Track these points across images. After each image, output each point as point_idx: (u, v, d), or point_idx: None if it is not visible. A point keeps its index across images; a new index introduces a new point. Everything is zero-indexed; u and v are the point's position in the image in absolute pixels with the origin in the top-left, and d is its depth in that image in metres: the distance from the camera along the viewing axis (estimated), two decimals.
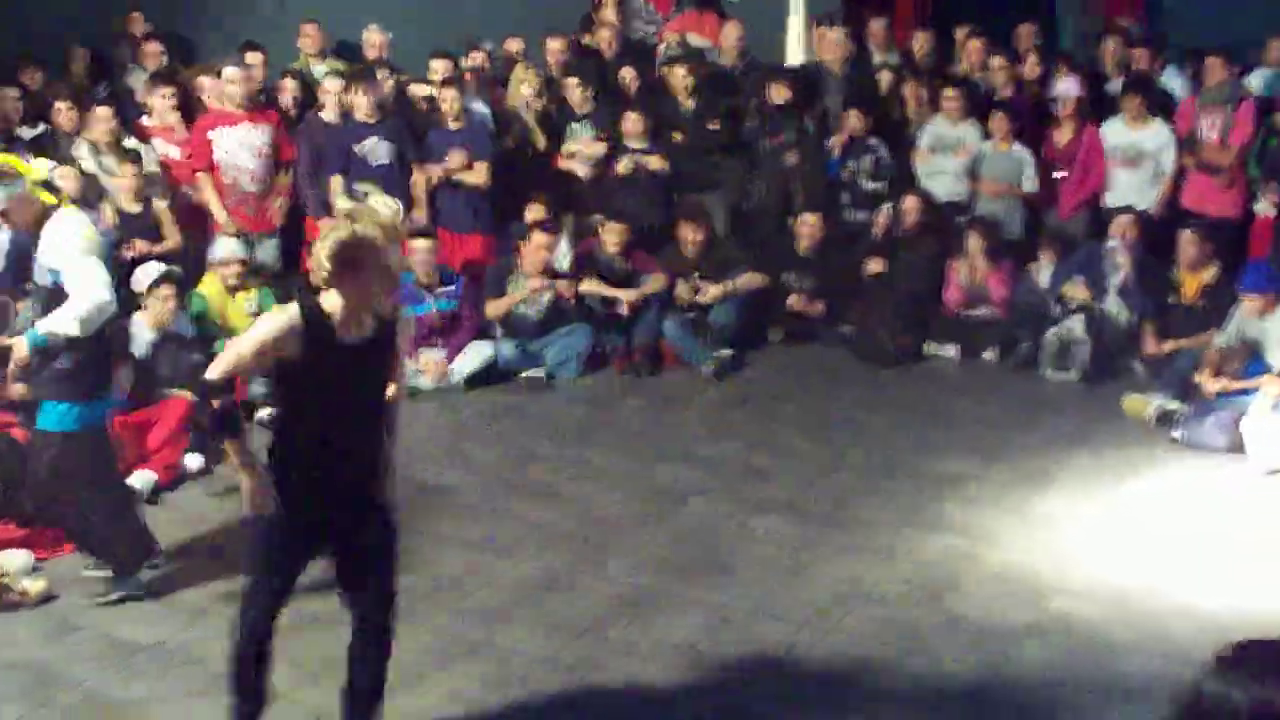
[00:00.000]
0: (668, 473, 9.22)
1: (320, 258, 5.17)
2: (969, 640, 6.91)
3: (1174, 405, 10.10)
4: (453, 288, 11.23)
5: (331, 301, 5.24)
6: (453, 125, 12.07)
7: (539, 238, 11.35)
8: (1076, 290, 11.43)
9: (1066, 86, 12.36)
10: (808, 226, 12.37)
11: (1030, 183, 12.40)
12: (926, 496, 8.82)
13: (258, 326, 5.35)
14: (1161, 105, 12.32)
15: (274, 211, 11.72)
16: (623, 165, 12.43)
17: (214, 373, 5.25)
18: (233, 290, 10.51)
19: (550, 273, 11.44)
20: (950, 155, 12.60)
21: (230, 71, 11.56)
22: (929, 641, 6.90)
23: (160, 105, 11.78)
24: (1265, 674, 2.10)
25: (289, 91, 12.48)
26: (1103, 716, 6.25)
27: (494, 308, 11.34)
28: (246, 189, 11.56)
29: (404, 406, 10.06)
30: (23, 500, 7.68)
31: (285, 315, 5.25)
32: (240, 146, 11.49)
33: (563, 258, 11.95)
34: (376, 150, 11.71)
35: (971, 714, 6.25)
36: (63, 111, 11.67)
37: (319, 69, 13.01)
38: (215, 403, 5.25)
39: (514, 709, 6.23)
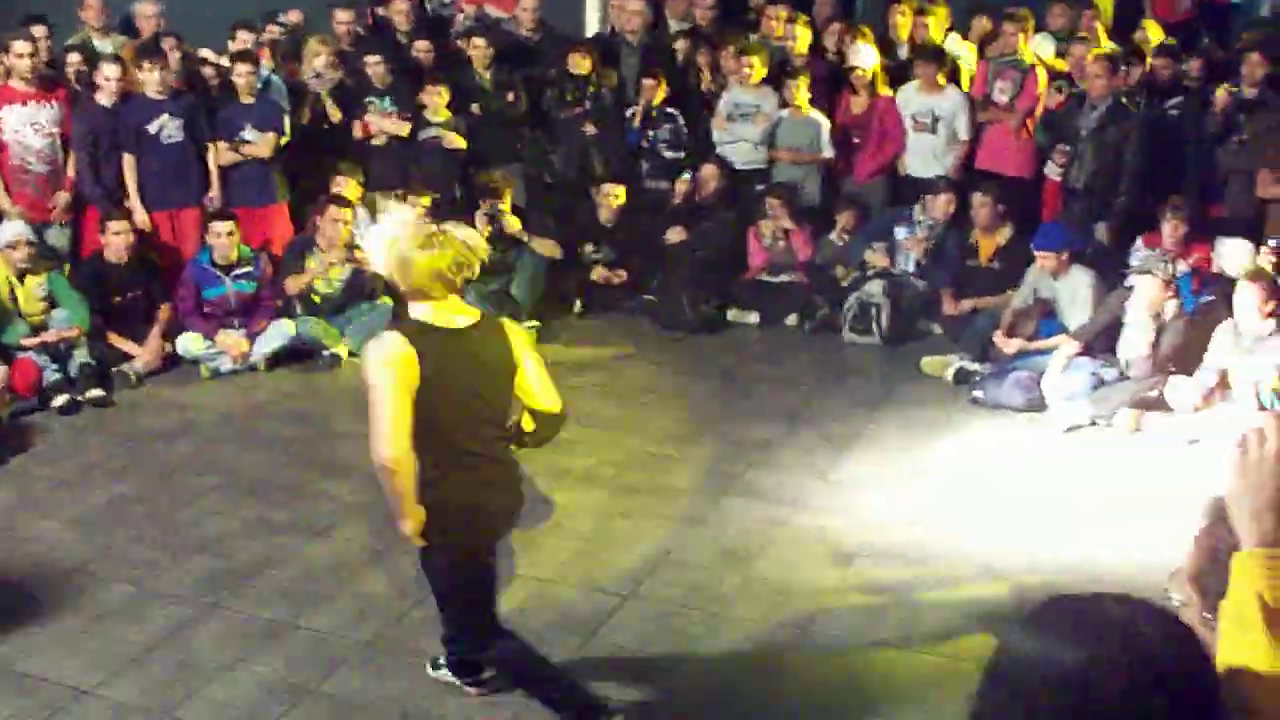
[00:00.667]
0: None
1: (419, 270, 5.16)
2: (777, 604, 6.97)
3: (973, 365, 10.29)
4: (251, 268, 11.02)
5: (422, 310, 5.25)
6: (246, 100, 11.83)
7: (334, 211, 11.19)
8: (877, 259, 11.59)
9: (863, 55, 12.49)
10: (610, 196, 12.36)
11: (827, 149, 12.52)
12: (733, 462, 8.87)
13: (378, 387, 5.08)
14: (954, 72, 12.52)
15: (58, 211, 11.30)
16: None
17: (387, 452, 5.06)
18: (21, 274, 10.21)
19: (349, 246, 11.27)
20: (748, 123, 12.66)
21: (18, 45, 11.14)
22: (738, 607, 6.94)
23: None
24: (1068, 632, 2.12)
25: (74, 67, 12.07)
26: (904, 673, 6.33)
27: (293, 283, 11.15)
28: (35, 169, 11.16)
29: (203, 389, 10.04)
30: None
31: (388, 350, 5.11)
32: (27, 125, 11.10)
33: (363, 230, 11.76)
34: (168, 127, 11.42)
35: (780, 677, 6.29)
36: None
37: (104, 45, 12.65)
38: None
39: (328, 692, 6.15)
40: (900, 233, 11.68)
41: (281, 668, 6.35)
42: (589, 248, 12.44)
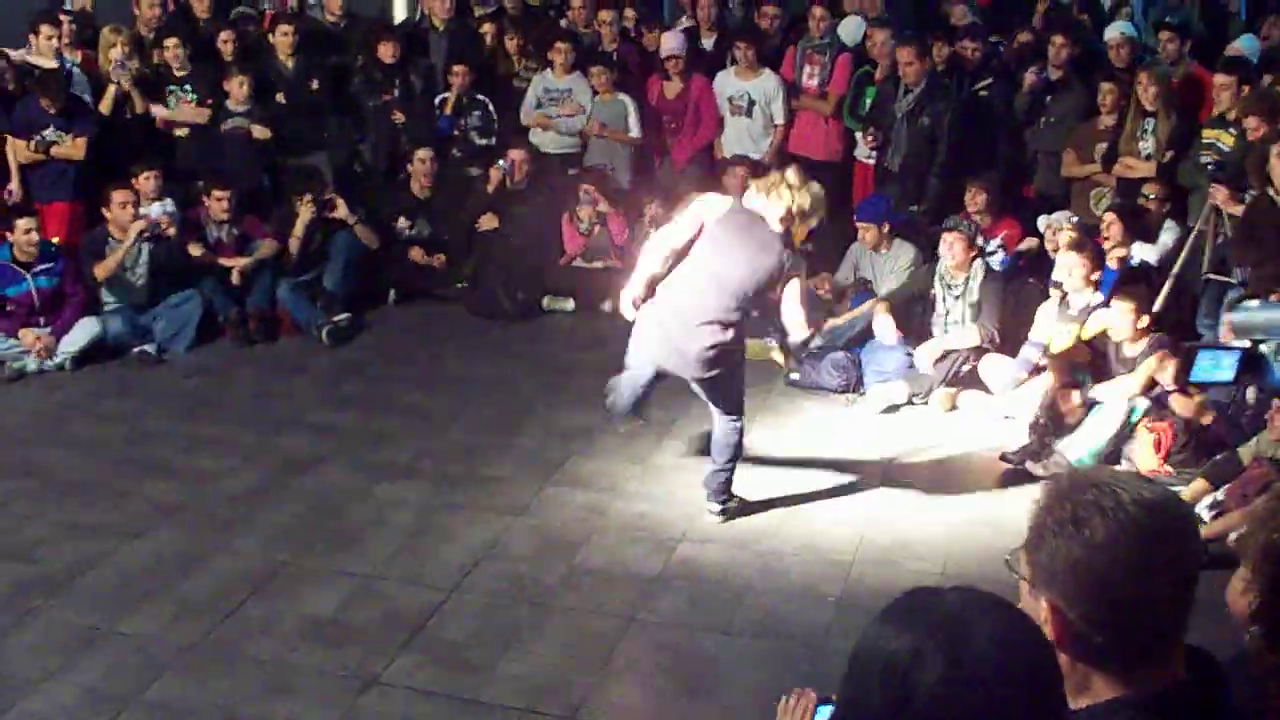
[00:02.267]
0: (289, 443, 9.04)
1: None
2: (602, 592, 7.00)
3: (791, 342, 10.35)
4: (53, 264, 10.73)
5: None
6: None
7: (118, 195, 10.93)
8: None
9: (672, 42, 12.54)
10: (421, 163, 12.29)
11: (634, 129, 12.53)
12: (553, 451, 8.87)
13: None
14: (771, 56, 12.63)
15: None
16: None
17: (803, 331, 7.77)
18: None
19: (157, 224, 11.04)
20: (558, 107, 12.65)
21: None
22: (564, 596, 6.95)
23: None
24: (903, 621, 2.14)
25: None
26: (729, 656, 6.38)
27: (101, 269, 10.85)
28: None
29: (7, 390, 9.78)
30: None
31: None
32: None
33: (163, 212, 11.51)
34: None
35: (609, 664, 6.31)
36: None
37: None
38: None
39: (151, 699, 6.02)
40: None
41: (101, 676, 6.21)
42: (403, 222, 12.32)
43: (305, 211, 11.62)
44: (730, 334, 7.38)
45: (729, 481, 7.83)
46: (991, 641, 2.10)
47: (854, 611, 6.62)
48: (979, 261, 9.70)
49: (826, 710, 3.04)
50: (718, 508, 7.80)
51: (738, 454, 7.80)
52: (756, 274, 7.36)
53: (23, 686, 6.11)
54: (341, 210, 11.79)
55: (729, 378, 7.58)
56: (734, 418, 7.70)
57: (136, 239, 10.84)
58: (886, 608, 2.21)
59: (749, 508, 7.92)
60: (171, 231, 11.09)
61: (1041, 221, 10.54)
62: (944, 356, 9.67)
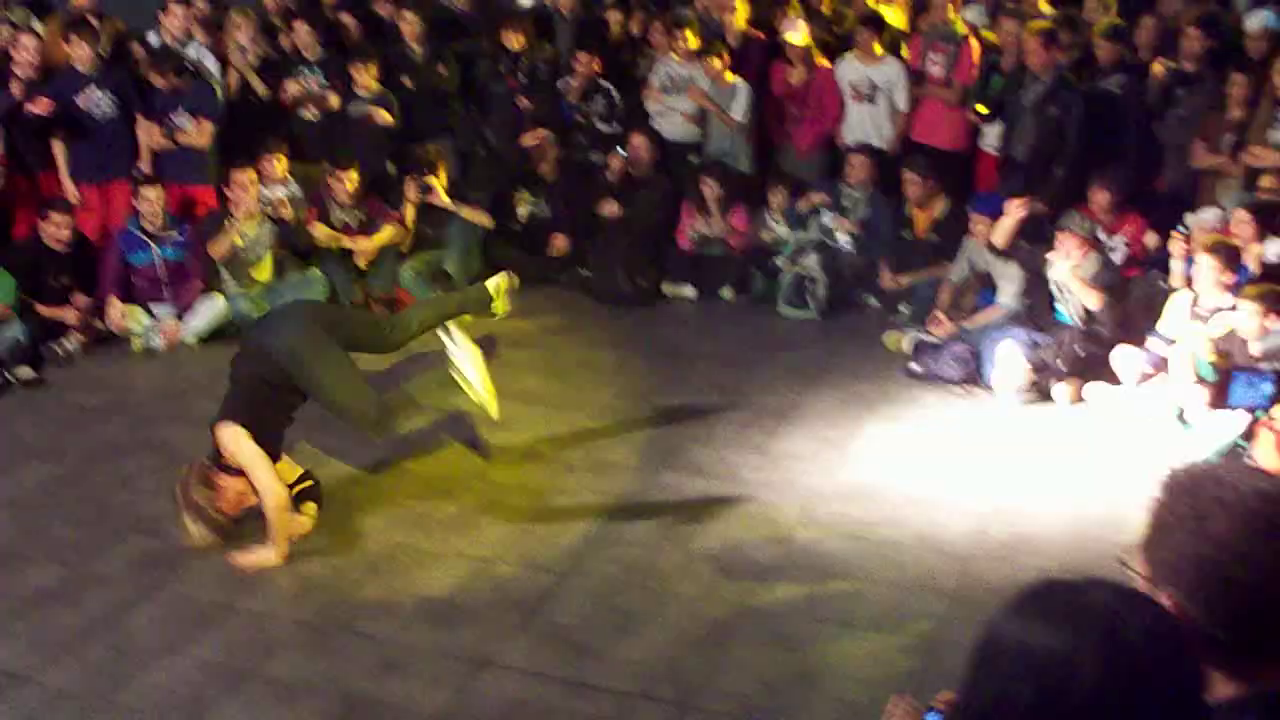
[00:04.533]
0: (408, 424, 9.10)
1: None
2: (718, 580, 6.97)
3: (929, 336, 10.24)
4: (180, 237, 10.89)
5: None
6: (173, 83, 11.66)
7: (239, 176, 11.06)
8: (816, 198, 11.62)
9: (794, 28, 12.46)
10: (545, 146, 12.35)
11: (739, 114, 12.44)
12: (670, 437, 8.86)
13: None
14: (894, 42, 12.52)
15: None
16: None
17: None
18: None
19: (263, 205, 11.16)
20: (681, 95, 12.62)
21: None
22: (678, 583, 6.94)
23: None
24: (1050, 618, 2.10)
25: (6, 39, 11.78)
26: (844, 646, 6.34)
27: (215, 247, 11.00)
28: None
29: (135, 367, 9.93)
30: None
31: None
32: None
33: (289, 194, 11.65)
34: (100, 103, 11.26)
35: (722, 653, 6.29)
36: None
37: (10, 17, 12.39)
38: None
39: (269, 674, 6.10)
40: (826, 218, 11.66)
41: (221, 650, 6.30)
42: (525, 194, 12.36)
43: (411, 194, 11.70)
44: None
45: None
46: (1145, 635, 2.07)
47: (970, 605, 6.56)
48: (1094, 259, 9.52)
49: (933, 718, 3.00)
50: None
51: None
52: None
53: (145, 658, 6.21)
54: (439, 195, 11.83)
55: None
56: None
57: (246, 220, 10.96)
58: (1019, 603, 2.16)
59: (869, 499, 7.86)
60: (286, 214, 11.19)
61: (1190, 220, 10.30)
62: (1066, 343, 9.54)
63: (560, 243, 12.33)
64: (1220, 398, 8.58)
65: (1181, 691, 2.09)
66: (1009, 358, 9.47)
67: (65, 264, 10.57)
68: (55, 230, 10.47)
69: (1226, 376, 8.63)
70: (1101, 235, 9.90)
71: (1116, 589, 2.15)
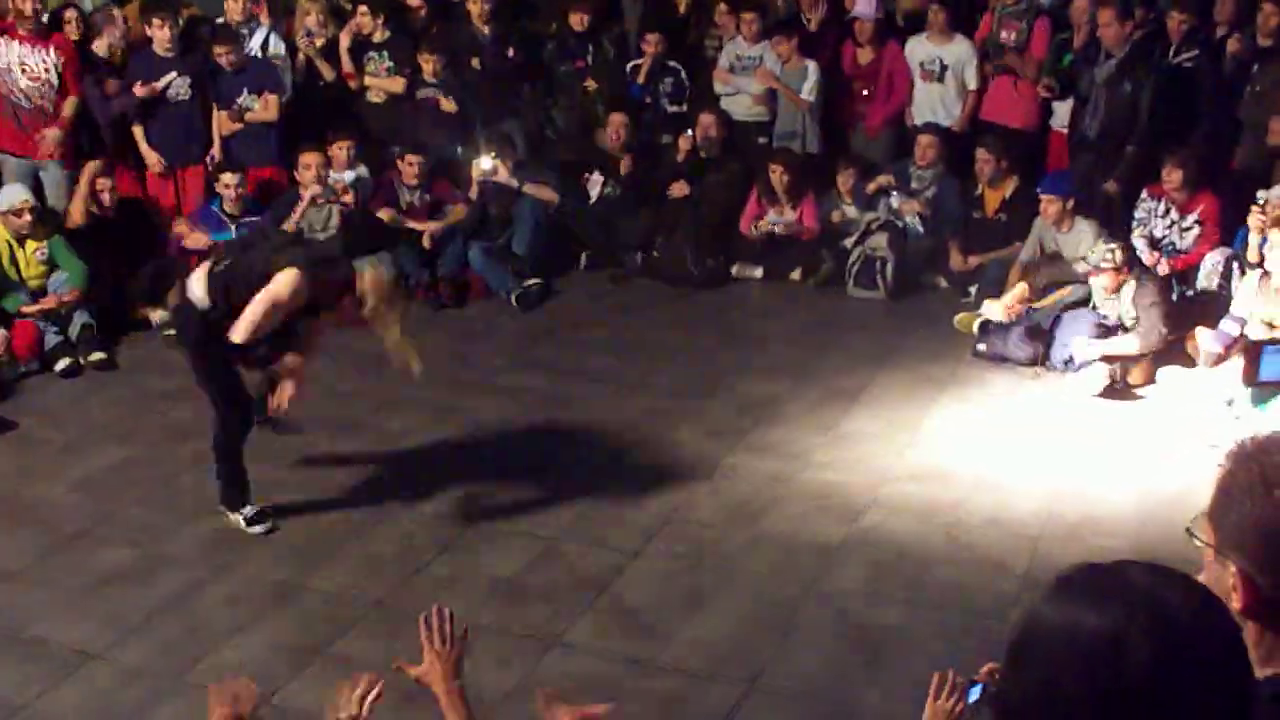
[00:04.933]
0: (478, 405, 9.12)
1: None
2: (785, 560, 6.97)
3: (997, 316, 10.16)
4: (258, 218, 10.96)
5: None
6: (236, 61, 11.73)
7: (306, 158, 11.14)
8: (884, 179, 11.56)
9: (863, 7, 12.39)
10: (615, 127, 12.30)
11: (808, 93, 12.38)
12: (739, 418, 8.85)
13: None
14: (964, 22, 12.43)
15: (46, 142, 11.12)
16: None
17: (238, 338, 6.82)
18: (22, 239, 10.13)
19: (329, 189, 11.22)
20: (749, 75, 12.58)
21: None
22: (748, 563, 6.94)
23: None
24: (1095, 601, 2.07)
25: (71, 23, 11.86)
26: (912, 626, 6.32)
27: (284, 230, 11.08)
28: (21, 105, 11.01)
29: None
30: None
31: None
32: (16, 63, 10.93)
33: (356, 177, 11.72)
34: (176, 86, 11.33)
35: (790, 633, 6.29)
36: None
37: (87, 3, 12.48)
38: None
39: (338, 652, 6.14)
40: (894, 199, 11.61)
41: (291, 629, 6.35)
42: (596, 177, 12.37)
43: (475, 174, 11.75)
44: None
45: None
46: (1190, 615, 2.04)
47: (1039, 586, 6.46)
48: (1128, 285, 9.38)
49: (976, 690, 3.00)
50: None
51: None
52: None
53: (216, 637, 6.27)
54: (502, 175, 11.85)
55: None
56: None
57: (310, 204, 11.01)
58: (1057, 588, 2.14)
59: (937, 480, 7.83)
60: (348, 199, 11.23)
61: (1263, 195, 10.16)
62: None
63: (679, 189, 12.29)
64: (1252, 371, 8.45)
65: (1229, 666, 2.06)
66: (1090, 370, 9.33)
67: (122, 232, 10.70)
68: (102, 195, 10.69)
69: (1257, 349, 8.49)
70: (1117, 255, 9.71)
71: (1153, 567, 2.12)
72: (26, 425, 8.92)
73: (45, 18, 11.19)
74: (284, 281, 6.79)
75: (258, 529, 7.28)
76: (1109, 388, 9.18)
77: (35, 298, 10.00)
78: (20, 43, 10.92)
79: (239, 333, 6.79)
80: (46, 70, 10.93)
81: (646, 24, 13.03)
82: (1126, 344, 9.26)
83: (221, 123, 11.67)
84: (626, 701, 5.73)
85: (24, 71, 10.92)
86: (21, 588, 6.76)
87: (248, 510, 7.33)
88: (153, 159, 11.44)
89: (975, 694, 3.00)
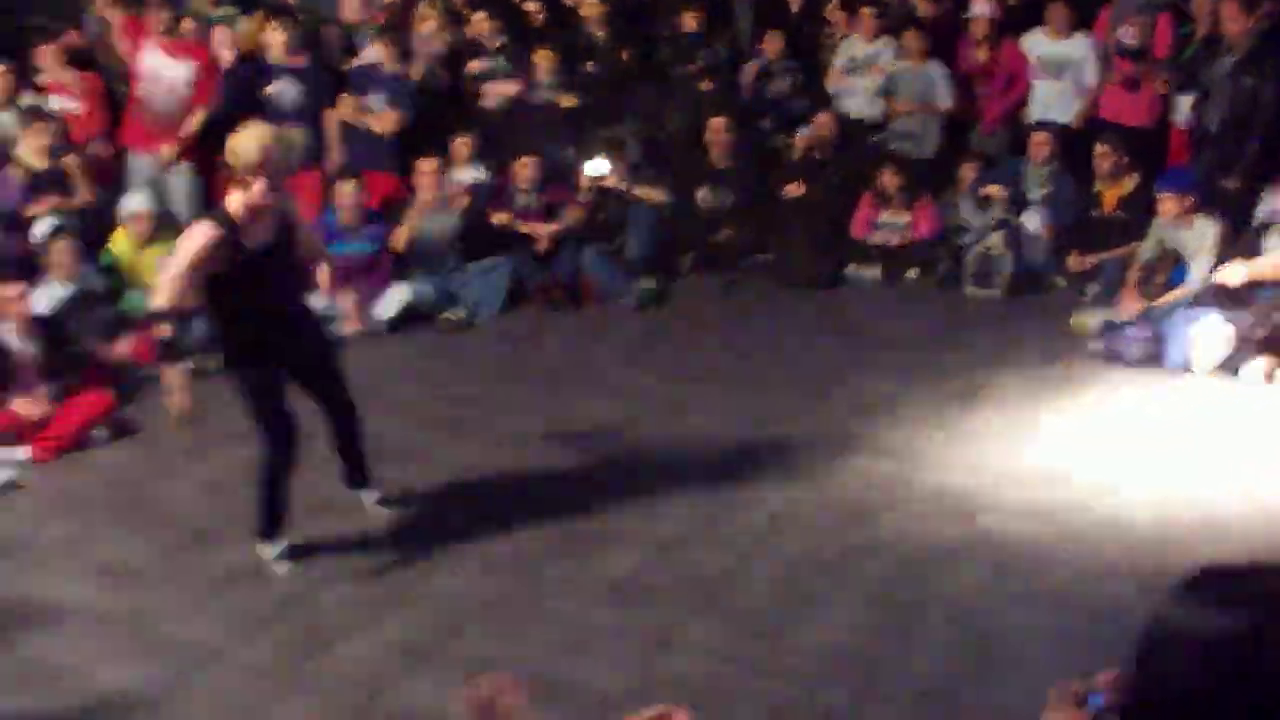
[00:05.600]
0: (594, 407, 9.17)
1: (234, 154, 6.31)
2: (901, 561, 6.92)
3: (1115, 315, 10.07)
4: (375, 229, 11.09)
5: (235, 203, 6.37)
6: (386, 69, 11.87)
7: (422, 165, 11.28)
8: (995, 191, 11.45)
9: (981, 5, 12.32)
10: (717, 133, 12.30)
11: (944, 98, 12.36)
12: (854, 419, 8.82)
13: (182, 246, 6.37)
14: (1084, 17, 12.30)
15: (163, 156, 11.32)
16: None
17: (158, 301, 6.37)
18: (144, 244, 10.30)
19: (442, 196, 11.34)
20: (864, 75, 12.54)
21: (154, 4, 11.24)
22: (863, 564, 6.90)
23: (49, 61, 11.37)
24: (1225, 602, 2.05)
25: (189, 33, 12.01)
26: (1030, 629, 6.26)
27: (398, 236, 11.22)
28: (158, 111, 11.24)
29: None
30: None
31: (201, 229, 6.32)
32: (157, 74, 11.19)
33: (475, 177, 11.84)
34: (288, 92, 11.48)
35: (906, 635, 6.25)
36: None
37: (215, 14, 12.67)
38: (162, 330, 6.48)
39: (454, 653, 6.18)
40: (1005, 211, 11.53)
41: (408, 629, 6.40)
42: (703, 193, 12.37)
43: (585, 180, 11.80)
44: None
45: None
46: None
47: (1157, 589, 6.42)
48: None
49: (1097, 700, 2.96)
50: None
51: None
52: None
53: (335, 637, 6.33)
54: (614, 179, 11.89)
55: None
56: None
57: (421, 208, 11.10)
58: (1187, 588, 2.11)
59: (1055, 481, 7.77)
60: (462, 204, 11.31)
61: None
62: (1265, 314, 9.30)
63: (794, 189, 12.25)
64: None
65: None
66: (1211, 329, 9.25)
67: None
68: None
69: None
70: None
71: (1268, 566, 2.09)
72: (152, 427, 9.07)
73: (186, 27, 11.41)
74: (189, 232, 6.54)
75: (280, 570, 6.98)
76: (1223, 369, 9.13)
77: None
78: (163, 52, 11.12)
79: (158, 294, 6.51)
80: (182, 83, 11.11)
81: (759, 23, 13.02)
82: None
83: (343, 105, 11.79)
84: (741, 703, 5.75)
85: (161, 80, 11.11)
86: (148, 586, 6.88)
87: (276, 546, 7.05)
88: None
89: (1095, 704, 2.97)
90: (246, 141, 6.36)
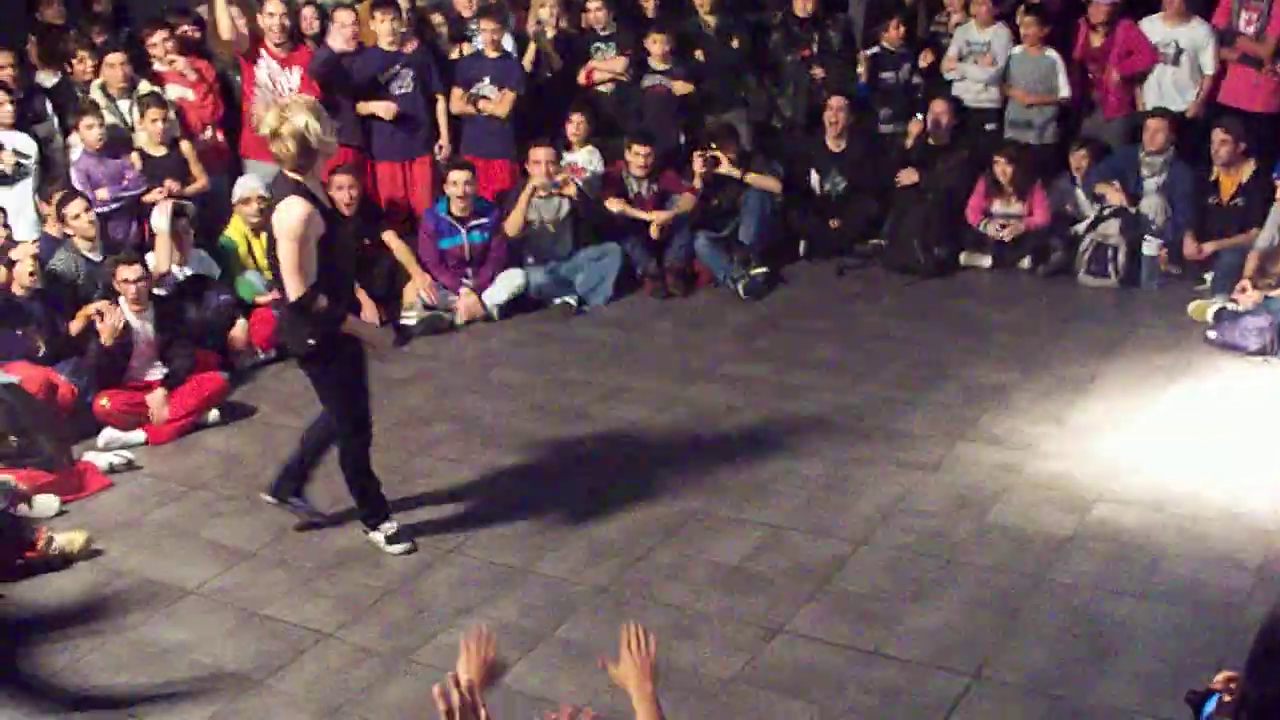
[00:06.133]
0: (703, 394, 9.18)
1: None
2: (1013, 551, 6.87)
3: (1232, 304, 9.93)
4: (486, 220, 11.13)
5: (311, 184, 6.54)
6: (491, 55, 11.91)
7: (536, 153, 11.31)
8: (1110, 190, 11.30)
9: None
10: (835, 112, 12.27)
11: (1063, 88, 12.22)
12: (966, 407, 8.76)
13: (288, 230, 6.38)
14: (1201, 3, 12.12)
15: None
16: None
17: (297, 292, 6.39)
18: (257, 229, 10.40)
19: (556, 182, 11.37)
20: (978, 62, 12.42)
21: (270, 4, 11.30)
22: (974, 554, 6.86)
23: (158, 50, 11.49)
24: None
25: (310, 21, 12.08)
26: (1142, 621, 6.19)
27: (510, 223, 11.25)
28: None
29: (436, 339, 10.19)
30: (42, 445, 7.85)
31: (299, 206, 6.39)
32: (269, 85, 11.29)
33: (588, 164, 11.89)
34: (400, 78, 11.54)
35: (1017, 625, 6.20)
36: (81, 60, 11.27)
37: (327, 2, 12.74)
38: (316, 309, 6.46)
39: (562, 637, 6.22)
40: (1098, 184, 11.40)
41: (516, 613, 6.44)
42: (816, 177, 12.33)
43: (698, 166, 11.77)
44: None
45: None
46: None
47: (1275, 580, 6.37)
48: None
49: (1212, 702, 2.93)
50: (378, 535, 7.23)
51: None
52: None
53: (442, 620, 6.39)
54: (726, 165, 11.86)
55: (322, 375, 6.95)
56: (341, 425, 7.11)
57: (532, 195, 11.14)
58: None
59: (1169, 471, 7.67)
60: (569, 191, 11.31)
61: None
62: None
63: (908, 176, 12.21)
64: None
65: None
66: None
67: (357, 233, 10.85)
68: (340, 194, 10.72)
69: None
70: None
71: None
72: (264, 411, 9.21)
73: (295, 32, 11.50)
74: (284, 213, 6.46)
75: (397, 549, 7.10)
76: None
77: (271, 288, 10.25)
78: (274, 61, 11.22)
79: (290, 289, 6.47)
80: (292, 89, 11.19)
81: (871, 10, 12.94)
82: None
83: (454, 101, 11.86)
84: (849, 690, 5.73)
85: (275, 88, 11.21)
86: (259, 568, 6.98)
87: (388, 527, 7.17)
88: (380, 107, 11.56)
89: (1211, 705, 2.94)
90: (287, 131, 6.41)
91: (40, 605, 6.73)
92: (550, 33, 12.32)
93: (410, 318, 10.69)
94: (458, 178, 11.01)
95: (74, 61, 11.26)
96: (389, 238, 10.98)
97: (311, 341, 6.61)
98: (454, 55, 12.13)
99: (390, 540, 7.12)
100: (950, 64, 12.60)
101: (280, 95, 11.04)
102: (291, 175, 6.48)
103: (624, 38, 12.50)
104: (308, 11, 11.97)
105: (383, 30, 11.47)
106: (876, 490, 7.62)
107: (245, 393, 9.48)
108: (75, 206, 9.53)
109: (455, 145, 11.85)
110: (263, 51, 11.25)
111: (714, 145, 11.88)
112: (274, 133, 6.43)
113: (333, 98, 11.10)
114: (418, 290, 10.80)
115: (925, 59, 12.87)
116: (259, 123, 6.81)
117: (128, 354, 8.95)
